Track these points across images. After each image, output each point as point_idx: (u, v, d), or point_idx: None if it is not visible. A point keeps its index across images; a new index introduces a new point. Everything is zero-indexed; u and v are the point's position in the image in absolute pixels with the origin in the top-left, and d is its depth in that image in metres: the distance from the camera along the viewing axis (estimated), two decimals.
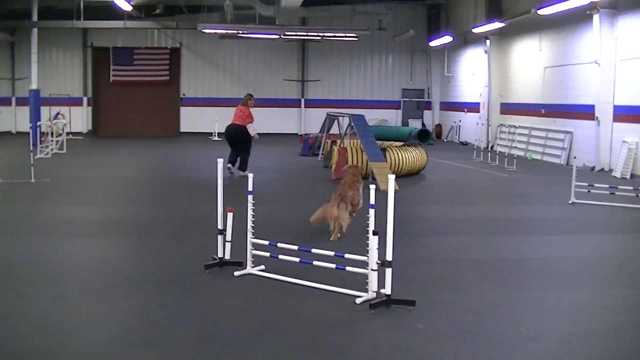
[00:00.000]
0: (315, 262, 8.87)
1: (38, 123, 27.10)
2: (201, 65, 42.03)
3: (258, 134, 21.10)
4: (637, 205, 15.98)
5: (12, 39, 39.00)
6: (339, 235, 11.79)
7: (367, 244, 8.11)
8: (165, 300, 8.28)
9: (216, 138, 36.68)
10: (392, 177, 8.10)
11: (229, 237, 9.54)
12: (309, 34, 36.49)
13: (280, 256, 9.20)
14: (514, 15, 28.90)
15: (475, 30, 32.30)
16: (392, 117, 43.09)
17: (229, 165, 20.75)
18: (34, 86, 32.81)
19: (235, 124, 20.95)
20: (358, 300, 8.14)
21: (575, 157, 19.08)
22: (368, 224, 8.10)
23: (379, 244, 8.09)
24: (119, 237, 12.10)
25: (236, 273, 9.31)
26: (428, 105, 44.28)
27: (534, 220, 14.66)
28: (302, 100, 42.81)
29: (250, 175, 9.47)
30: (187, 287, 8.81)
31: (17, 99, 39.94)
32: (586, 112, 25.33)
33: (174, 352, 6.67)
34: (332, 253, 8.78)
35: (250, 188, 9.38)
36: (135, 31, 39.15)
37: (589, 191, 16.55)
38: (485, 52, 34.52)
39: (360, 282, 8.33)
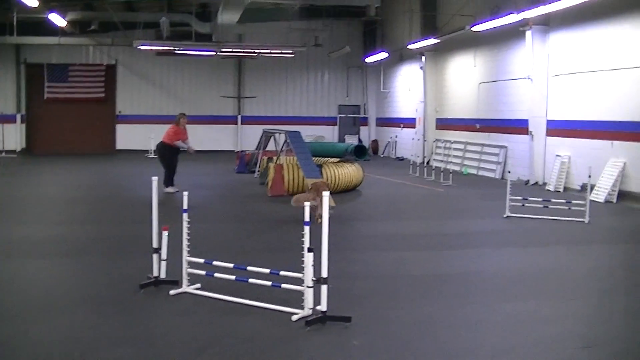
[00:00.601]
0: (250, 280, 8.83)
1: None
2: (137, 82, 41.69)
3: (194, 149, 21.10)
4: (570, 218, 16.20)
5: None
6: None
7: (303, 260, 8.11)
8: (100, 320, 8.16)
9: (153, 155, 36.42)
10: (326, 194, 8.11)
11: (164, 255, 9.47)
12: (245, 50, 36.55)
13: (216, 274, 9.15)
14: (448, 32, 29.19)
15: (410, 47, 32.54)
16: (328, 133, 43.21)
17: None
18: None
19: (162, 141, 21.15)
20: (294, 318, 8.12)
21: (509, 172, 19.29)
22: (303, 240, 8.09)
23: (314, 261, 8.08)
24: (54, 257, 11.92)
25: (172, 292, 9.23)
26: (364, 121, 44.49)
27: (469, 235, 14.79)
28: (239, 116, 42.70)
29: (185, 193, 9.41)
30: (123, 307, 8.71)
31: None
32: (520, 126, 25.66)
33: None
34: (267, 270, 8.75)
35: (185, 206, 9.33)
36: (70, 47, 38.73)
37: (523, 205, 16.77)
38: (421, 68, 34.81)
39: (296, 299, 8.31)
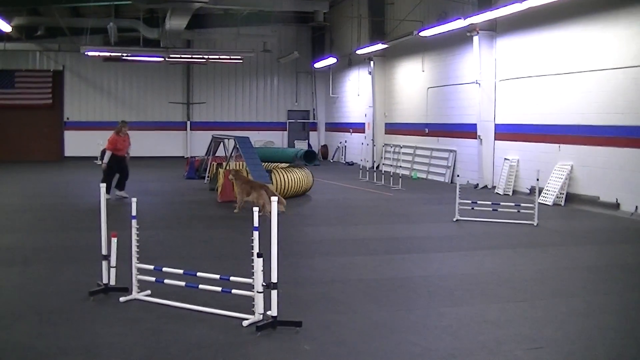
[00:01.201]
0: (201, 286, 8.79)
1: None
2: (85, 88, 41.34)
3: (106, 164, 21.03)
4: (518, 221, 16.38)
5: None
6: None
7: (252, 266, 8.10)
8: (49, 329, 8.08)
9: (101, 162, 36.18)
10: (275, 199, 8.12)
11: (113, 262, 9.41)
12: (194, 56, 36.45)
13: (166, 280, 9.11)
14: (396, 37, 29.36)
15: (359, 52, 32.69)
16: (278, 139, 43.25)
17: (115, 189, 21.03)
18: None
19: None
20: (245, 323, 8.11)
21: (458, 175, 19.51)
22: (252, 246, 8.08)
23: (264, 266, 8.08)
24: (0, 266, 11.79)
25: (122, 299, 9.17)
26: (314, 126, 44.61)
27: (418, 239, 14.85)
28: (188, 122, 42.54)
29: (134, 200, 9.35)
30: (71, 316, 8.61)
31: None
32: (469, 131, 25.88)
33: None
34: (217, 276, 8.71)
35: (134, 212, 9.27)
36: (16, 53, 38.31)
37: (472, 208, 16.90)
38: (370, 73, 34.94)
39: (247, 305, 8.30)
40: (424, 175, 29.52)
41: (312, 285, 10.35)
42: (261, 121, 43.54)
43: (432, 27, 24.66)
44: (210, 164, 25.65)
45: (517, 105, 23.35)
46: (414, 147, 30.93)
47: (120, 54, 34.44)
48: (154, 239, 13.71)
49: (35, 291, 9.95)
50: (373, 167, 32.73)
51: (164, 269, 9.19)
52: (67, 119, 41.05)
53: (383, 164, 32.96)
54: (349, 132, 39.23)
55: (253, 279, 8.13)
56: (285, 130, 44.11)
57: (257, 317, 8.15)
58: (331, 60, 37.26)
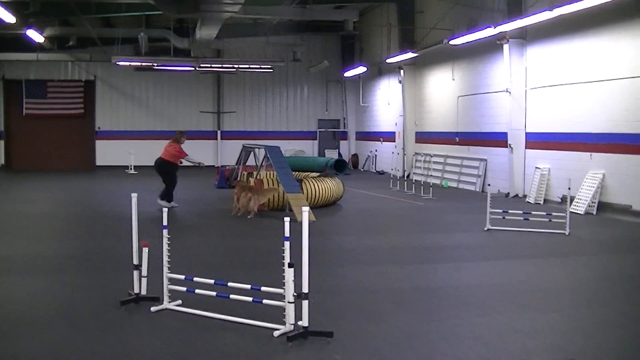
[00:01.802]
0: (232, 296, 8.80)
1: None
2: (116, 98, 41.62)
3: (201, 163, 22.10)
4: (550, 230, 16.27)
5: None
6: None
7: (284, 276, 8.09)
8: (81, 338, 8.11)
9: (132, 171, 36.39)
10: (306, 209, 8.11)
11: (144, 272, 9.44)
12: (224, 65, 36.51)
13: (197, 290, 9.12)
14: (426, 46, 29.32)
15: (389, 61, 32.65)
16: (308, 148, 43.25)
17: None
18: None
19: (162, 158, 21.36)
20: (275, 333, 8.10)
21: (489, 184, 19.38)
22: (284, 256, 8.08)
23: (295, 276, 8.07)
24: (33, 274, 11.82)
25: (153, 308, 9.19)
26: (344, 135, 44.58)
27: (449, 248, 14.79)
28: (218, 132, 42.67)
29: (165, 210, 9.39)
30: (102, 325, 8.64)
31: None
32: (499, 139, 25.77)
33: None
34: (248, 286, 8.72)
35: (165, 222, 9.30)
36: (48, 63, 38.64)
37: (503, 217, 16.79)
38: (400, 81, 34.88)
39: (278, 315, 8.29)
40: (454, 184, 29.44)
41: (343, 295, 10.33)
42: (291, 130, 43.59)
43: (462, 36, 24.61)
44: (241, 173, 25.68)
45: (548, 113, 23.21)
46: (445, 155, 30.85)
47: (151, 64, 34.63)
48: (185, 248, 13.75)
49: (66, 299, 10.01)
50: (404, 176, 32.65)
51: (195, 279, 9.20)
52: (99, 128, 41.32)
53: (414, 173, 32.89)
54: (380, 141, 39.18)
55: (284, 289, 8.13)
56: (316, 139, 44.12)
57: (288, 327, 8.13)
58: (361, 69, 37.24)
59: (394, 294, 10.47)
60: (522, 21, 21.05)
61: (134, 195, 9.61)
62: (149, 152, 38.28)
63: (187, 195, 24.64)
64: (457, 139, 29.76)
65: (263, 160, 23.32)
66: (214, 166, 37.64)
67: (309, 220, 8.22)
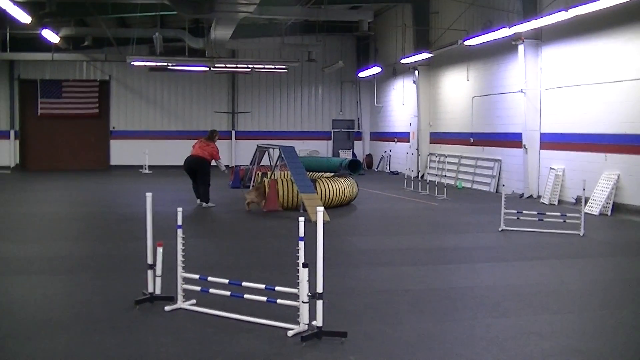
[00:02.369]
0: (246, 296, 8.81)
1: None
2: (131, 98, 41.71)
3: (226, 166, 22.09)
4: (564, 231, 16.21)
5: None
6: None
7: (298, 276, 8.09)
8: (93, 339, 8.11)
9: (147, 171, 36.48)
10: (320, 209, 8.11)
11: (159, 271, 9.45)
12: (239, 65, 36.50)
13: (211, 290, 9.12)
14: (441, 47, 29.25)
15: (403, 61, 32.58)
16: (322, 148, 43.26)
17: (198, 200, 21.73)
18: None
19: (198, 156, 21.50)
20: (290, 333, 8.10)
21: (504, 185, 19.35)
22: (298, 256, 8.08)
23: (309, 276, 8.06)
24: (47, 274, 11.86)
25: (167, 308, 9.20)
26: (358, 136, 44.57)
27: (464, 249, 14.77)
28: (233, 132, 42.71)
29: (180, 209, 9.39)
30: (117, 325, 8.65)
31: None
32: (514, 140, 25.71)
33: None
34: (262, 286, 8.73)
35: (179, 222, 9.31)
36: (63, 63, 38.84)
37: (518, 218, 16.77)
38: (414, 82, 34.85)
39: (292, 315, 8.29)
40: (469, 185, 29.38)
41: (357, 296, 10.32)
42: (306, 130, 43.60)
43: (477, 36, 24.54)
44: (255, 173, 25.71)
45: (562, 114, 23.14)
46: (459, 156, 30.80)
47: (165, 64, 34.66)
48: (199, 248, 13.76)
49: (80, 299, 10.03)
50: (418, 176, 32.66)
51: (209, 279, 9.21)
52: (113, 128, 41.43)
53: (428, 174, 32.87)
54: (394, 141, 39.14)
55: (298, 289, 8.13)
56: (330, 139, 44.10)
57: (302, 327, 8.13)
58: (376, 70, 37.18)
59: (409, 294, 10.45)
60: (538, 22, 20.98)
61: (149, 195, 9.61)
62: (164, 152, 38.62)
63: None
64: (472, 139, 29.71)
65: (277, 160, 23.33)
66: (228, 166, 37.73)
67: (324, 221, 8.21)
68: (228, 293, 8.98)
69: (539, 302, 10.12)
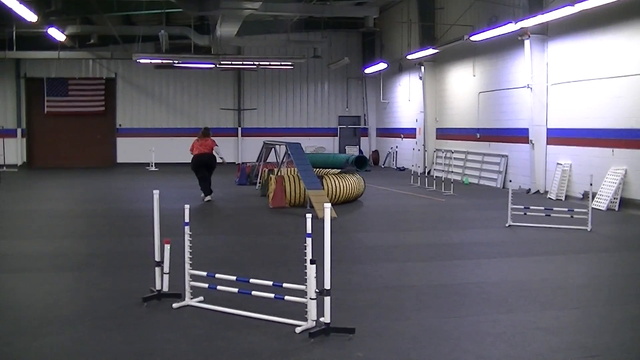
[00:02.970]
0: (253, 292, 8.82)
1: None
2: (137, 96, 41.76)
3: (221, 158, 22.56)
4: (571, 226, 16.19)
5: None
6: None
7: (305, 272, 8.10)
8: (103, 335, 8.13)
9: (153, 168, 36.50)
10: (328, 205, 8.11)
11: (166, 268, 9.46)
12: (245, 62, 36.52)
13: (219, 287, 9.13)
14: (447, 42, 29.19)
15: (409, 57, 32.56)
16: (329, 145, 43.25)
17: (203, 196, 22.07)
18: None
19: (208, 153, 21.99)
20: (297, 330, 8.10)
21: (510, 180, 19.35)
22: (305, 252, 8.08)
23: (316, 273, 8.06)
24: (54, 271, 11.89)
25: (174, 305, 9.21)
26: (365, 132, 44.54)
27: (471, 245, 14.77)
28: (239, 129, 42.71)
29: (187, 206, 9.40)
30: (124, 322, 8.67)
31: None
32: (520, 135, 25.66)
33: None
34: (270, 283, 8.74)
35: (187, 219, 9.32)
36: (70, 61, 38.83)
37: (525, 214, 16.75)
38: (420, 78, 34.82)
39: (299, 311, 8.30)
40: (475, 181, 29.36)
41: (364, 292, 10.32)
42: (312, 127, 43.59)
43: (482, 32, 24.53)
44: (262, 170, 25.71)
45: (569, 109, 23.10)
46: (466, 152, 30.76)
47: (171, 61, 34.71)
48: (206, 245, 13.76)
49: (87, 296, 10.06)
50: (424, 172, 32.65)
51: (217, 276, 9.23)
52: (119, 125, 41.50)
53: (434, 169, 32.83)
54: (400, 137, 39.11)
55: (306, 285, 8.13)
56: (336, 136, 44.10)
57: (310, 323, 8.14)
58: (382, 66, 37.13)
59: (416, 291, 10.45)
60: (544, 17, 20.94)
61: (156, 192, 9.62)
62: (170, 149, 38.64)
63: None
64: (478, 135, 29.68)
65: (284, 157, 23.33)
66: (234, 163, 37.73)
67: (331, 217, 8.21)
68: (236, 290, 9.00)
69: (546, 297, 10.12)
